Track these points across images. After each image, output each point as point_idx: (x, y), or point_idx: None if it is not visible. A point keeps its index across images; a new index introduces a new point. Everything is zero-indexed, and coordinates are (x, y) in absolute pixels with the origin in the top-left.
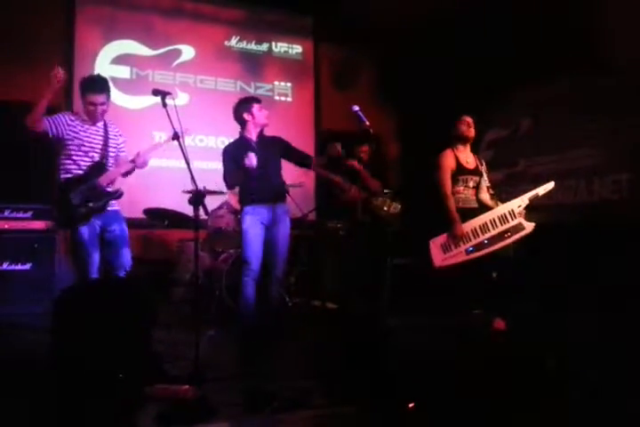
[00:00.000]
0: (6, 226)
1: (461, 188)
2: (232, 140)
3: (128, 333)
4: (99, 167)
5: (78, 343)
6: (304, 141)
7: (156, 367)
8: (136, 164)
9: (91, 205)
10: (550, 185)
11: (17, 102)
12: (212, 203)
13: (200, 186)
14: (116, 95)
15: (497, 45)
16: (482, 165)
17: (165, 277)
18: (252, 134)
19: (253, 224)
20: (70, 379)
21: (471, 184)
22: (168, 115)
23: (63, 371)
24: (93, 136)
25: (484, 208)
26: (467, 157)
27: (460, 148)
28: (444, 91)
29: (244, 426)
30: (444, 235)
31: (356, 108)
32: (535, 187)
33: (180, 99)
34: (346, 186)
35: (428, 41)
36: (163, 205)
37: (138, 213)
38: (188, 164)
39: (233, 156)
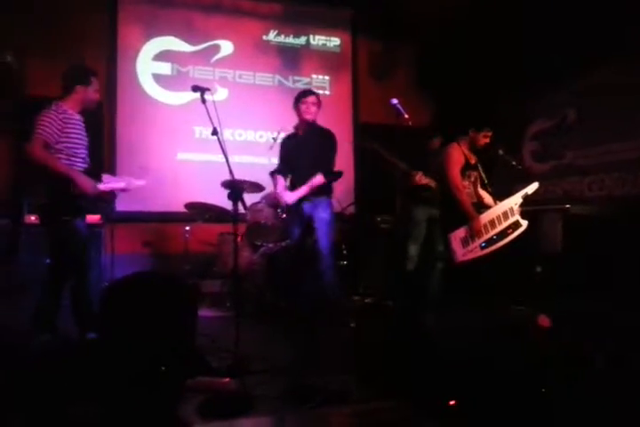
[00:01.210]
0: None
1: (467, 182)
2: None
3: (172, 326)
4: (94, 170)
5: (123, 336)
6: (342, 135)
7: (199, 360)
8: (125, 189)
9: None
10: (535, 185)
11: None
12: (251, 197)
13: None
14: (158, 91)
15: (540, 34)
16: (477, 160)
17: (207, 271)
18: (300, 127)
19: (290, 222)
20: (114, 371)
21: (472, 179)
22: (207, 111)
23: (107, 363)
24: (82, 127)
25: (481, 204)
26: (469, 152)
27: (466, 144)
28: (485, 82)
29: (283, 421)
30: (463, 229)
31: (395, 101)
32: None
33: (220, 94)
34: (408, 170)
35: (468, 30)
36: (203, 199)
37: (179, 207)
38: (227, 159)
39: (283, 148)
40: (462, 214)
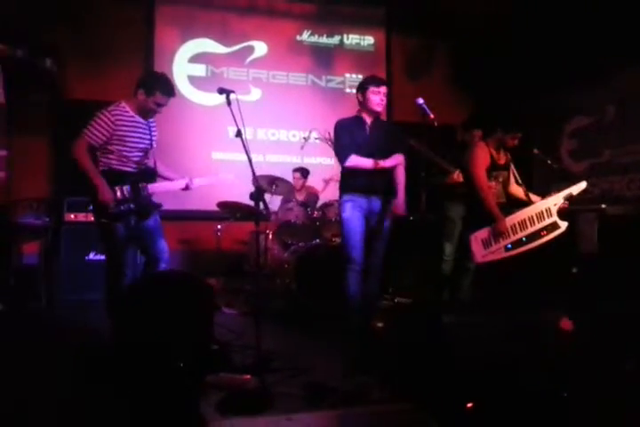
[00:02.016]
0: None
1: (493, 183)
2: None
3: (188, 323)
4: (149, 172)
5: (142, 333)
6: None
7: (220, 356)
8: (187, 188)
9: (132, 206)
10: (583, 184)
11: (101, 102)
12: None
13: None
14: (193, 92)
15: (580, 29)
16: (509, 159)
17: (238, 268)
18: (367, 116)
19: (354, 214)
20: (133, 367)
21: (500, 179)
22: (232, 113)
23: (127, 359)
24: (141, 131)
25: (514, 202)
26: (498, 152)
27: (494, 144)
28: (521, 79)
29: (300, 420)
30: (486, 230)
31: (421, 101)
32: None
33: (253, 94)
34: (449, 168)
35: (504, 27)
36: (235, 198)
37: (212, 206)
38: (250, 160)
39: (349, 129)
40: (487, 215)
